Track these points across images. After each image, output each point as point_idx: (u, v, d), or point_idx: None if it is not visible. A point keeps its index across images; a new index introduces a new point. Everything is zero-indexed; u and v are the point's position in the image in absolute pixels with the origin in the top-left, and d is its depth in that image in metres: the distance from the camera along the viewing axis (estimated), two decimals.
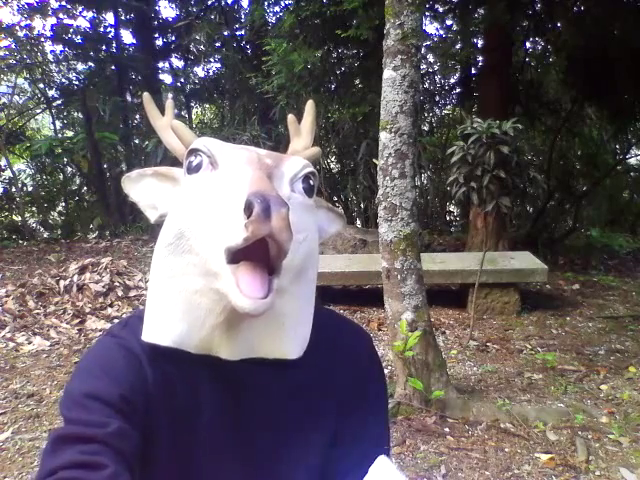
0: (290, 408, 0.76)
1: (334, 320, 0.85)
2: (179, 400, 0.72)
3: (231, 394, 0.73)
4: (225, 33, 8.79)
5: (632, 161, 9.57)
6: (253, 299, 0.59)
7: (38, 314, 4.11)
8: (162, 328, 0.70)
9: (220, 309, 0.66)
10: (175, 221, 0.69)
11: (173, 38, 9.77)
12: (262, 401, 0.74)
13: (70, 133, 9.83)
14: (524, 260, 4.44)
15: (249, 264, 0.60)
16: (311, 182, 0.73)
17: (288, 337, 0.73)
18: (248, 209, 0.56)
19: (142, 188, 0.80)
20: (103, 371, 0.69)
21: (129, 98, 9.69)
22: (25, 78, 9.81)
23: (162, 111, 0.84)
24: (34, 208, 9.37)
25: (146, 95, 0.86)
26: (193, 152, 0.70)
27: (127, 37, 11.02)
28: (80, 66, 9.89)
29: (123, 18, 9.47)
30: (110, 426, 0.62)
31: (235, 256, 0.60)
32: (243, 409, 0.74)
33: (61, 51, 9.56)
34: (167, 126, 0.81)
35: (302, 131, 0.84)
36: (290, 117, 0.84)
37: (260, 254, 0.60)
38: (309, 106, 0.86)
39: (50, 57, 9.67)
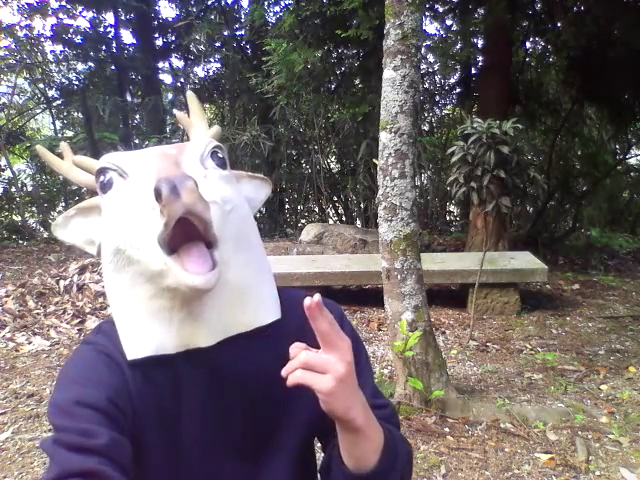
0: (271, 390, 0.75)
1: (299, 299, 0.84)
2: (162, 399, 0.72)
3: (213, 385, 0.73)
4: (225, 33, 8.79)
5: (632, 161, 9.58)
6: (201, 274, 0.61)
7: (38, 314, 4.12)
8: (137, 342, 0.70)
9: (179, 304, 0.67)
10: (108, 240, 0.70)
11: (173, 38, 9.77)
12: (244, 386, 0.74)
13: (70, 133, 9.84)
14: (524, 260, 4.44)
15: (186, 246, 0.62)
16: (220, 155, 0.74)
17: (255, 303, 0.74)
18: (158, 196, 0.58)
19: (72, 230, 0.81)
20: (87, 378, 0.69)
21: (129, 98, 9.70)
22: (25, 78, 9.81)
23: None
24: (34, 208, 9.38)
25: (39, 147, 0.87)
26: (100, 172, 0.71)
27: (127, 37, 11.04)
28: (80, 66, 9.89)
29: (123, 18, 9.47)
30: (104, 436, 0.63)
31: (171, 245, 0.62)
32: (226, 398, 0.74)
33: (61, 51, 9.57)
34: (71, 166, 0.83)
35: (194, 122, 0.85)
36: (177, 113, 0.88)
37: (192, 234, 0.62)
38: (189, 97, 0.88)
39: (50, 57, 9.69)
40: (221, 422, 0.75)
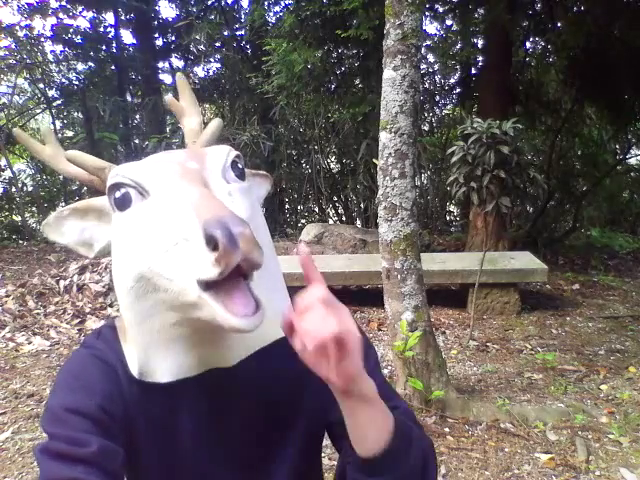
0: (273, 404, 0.75)
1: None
2: (158, 407, 0.71)
3: (212, 400, 0.72)
4: (225, 33, 8.80)
5: (632, 161, 9.57)
6: (247, 316, 0.57)
7: (38, 314, 4.11)
8: (157, 367, 0.69)
9: (202, 331, 0.65)
10: (128, 263, 0.65)
11: (173, 38, 9.77)
12: (244, 403, 0.74)
13: (70, 133, 9.85)
14: (524, 260, 4.44)
15: (228, 285, 0.57)
16: (239, 165, 0.71)
17: (272, 316, 0.70)
18: (211, 243, 0.54)
19: (65, 230, 0.77)
20: (80, 384, 0.68)
21: (129, 98, 9.70)
22: (25, 78, 9.81)
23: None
24: (34, 208, 9.38)
25: (17, 131, 0.82)
26: (115, 187, 0.66)
27: (127, 37, 11.04)
28: (80, 66, 9.89)
29: (123, 18, 9.48)
30: (93, 444, 0.62)
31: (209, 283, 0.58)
32: (226, 413, 0.73)
33: (61, 51, 9.57)
34: (56, 154, 0.77)
35: (185, 108, 0.81)
36: (168, 98, 0.82)
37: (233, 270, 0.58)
38: (179, 81, 0.82)
39: (50, 57, 9.69)
40: (220, 436, 0.74)
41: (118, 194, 0.66)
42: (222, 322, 0.57)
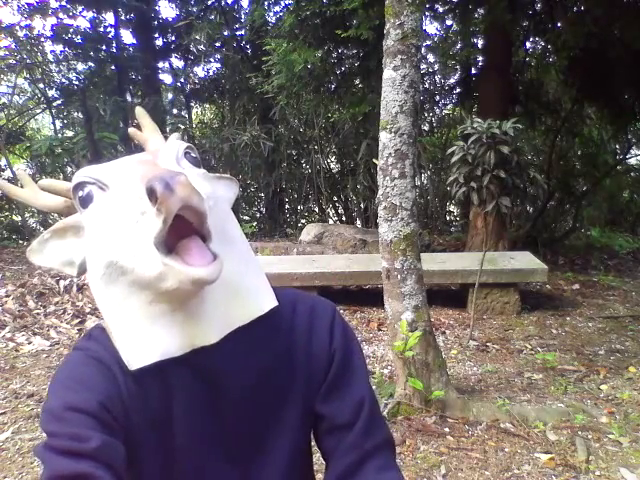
0: (263, 389, 0.76)
1: (290, 302, 0.83)
2: (155, 403, 0.72)
3: (204, 386, 0.73)
4: (225, 33, 8.80)
5: (632, 161, 9.57)
6: (205, 265, 0.61)
7: (38, 314, 4.12)
8: (142, 349, 0.69)
9: (179, 305, 0.67)
10: (97, 254, 0.68)
11: (173, 38, 9.77)
12: (236, 385, 0.74)
13: (70, 133, 9.83)
14: (524, 260, 4.44)
15: (183, 243, 0.62)
16: (193, 155, 0.75)
17: (250, 293, 0.74)
18: (152, 195, 0.58)
19: (49, 253, 0.78)
20: (78, 383, 0.69)
21: (129, 98, 9.69)
22: (25, 78, 9.80)
23: None
24: (34, 208, 9.36)
25: (1, 182, 0.85)
26: (78, 187, 0.70)
27: (127, 37, 11.07)
28: (80, 66, 9.88)
29: (123, 18, 9.47)
30: (95, 440, 0.63)
31: (168, 245, 0.61)
32: (218, 398, 0.74)
33: (61, 51, 9.55)
34: (34, 193, 0.81)
35: (148, 136, 0.85)
36: (131, 131, 0.87)
37: (186, 231, 0.62)
38: (139, 113, 0.87)
39: (50, 57, 9.67)
40: (214, 423, 0.74)
41: (81, 193, 0.69)
42: (183, 277, 0.60)
